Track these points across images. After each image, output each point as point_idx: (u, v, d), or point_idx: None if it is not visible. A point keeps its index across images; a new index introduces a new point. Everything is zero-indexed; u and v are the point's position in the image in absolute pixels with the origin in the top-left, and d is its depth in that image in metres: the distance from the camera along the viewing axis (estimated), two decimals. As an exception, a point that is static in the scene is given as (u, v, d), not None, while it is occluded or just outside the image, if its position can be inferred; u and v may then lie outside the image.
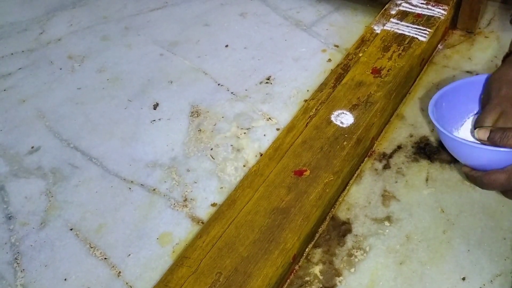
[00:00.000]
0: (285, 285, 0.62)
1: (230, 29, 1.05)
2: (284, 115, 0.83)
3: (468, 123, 0.65)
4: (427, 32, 0.86)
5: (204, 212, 0.70)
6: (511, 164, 0.53)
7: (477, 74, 0.62)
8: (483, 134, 0.55)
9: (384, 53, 0.83)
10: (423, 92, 0.84)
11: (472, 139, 0.61)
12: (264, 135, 0.80)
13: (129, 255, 0.67)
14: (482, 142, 0.55)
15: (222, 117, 0.84)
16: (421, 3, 0.93)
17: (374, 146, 0.77)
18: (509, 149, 0.52)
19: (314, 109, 0.76)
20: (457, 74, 0.86)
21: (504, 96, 0.57)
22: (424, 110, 0.81)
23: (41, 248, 0.69)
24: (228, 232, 0.62)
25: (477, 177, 0.56)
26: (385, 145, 0.77)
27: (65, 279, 0.65)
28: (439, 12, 0.91)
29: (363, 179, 0.72)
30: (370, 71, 0.80)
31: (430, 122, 0.58)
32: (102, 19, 1.14)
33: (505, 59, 0.62)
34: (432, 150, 0.74)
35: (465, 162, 0.58)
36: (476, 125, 0.59)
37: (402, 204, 0.68)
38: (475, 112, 0.65)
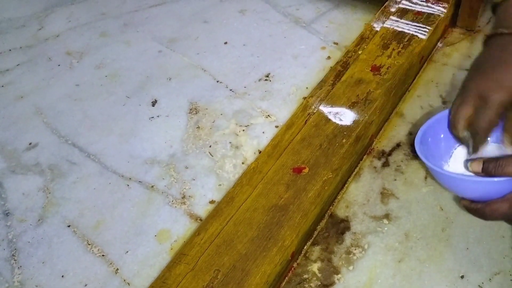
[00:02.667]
0: (284, 283, 0.62)
1: (229, 26, 1.04)
2: (283, 112, 0.82)
3: (456, 155, 0.63)
4: (427, 30, 0.86)
5: (202, 209, 0.70)
6: (509, 192, 0.52)
7: None
8: (477, 166, 0.54)
9: (384, 51, 0.83)
10: (422, 90, 0.84)
11: (462, 169, 0.61)
12: (263, 132, 0.80)
13: (127, 252, 0.66)
14: (477, 174, 0.55)
15: (221, 114, 0.84)
16: (421, 1, 0.93)
17: (373, 144, 0.77)
18: (506, 178, 0.51)
19: (313, 107, 0.76)
20: (456, 72, 0.86)
21: (474, 90, 0.54)
22: (423, 108, 0.80)
23: (38, 244, 0.69)
24: (226, 229, 0.62)
25: (478, 209, 0.55)
26: (384, 142, 0.76)
27: (62, 276, 0.65)
28: (439, 10, 0.90)
29: (362, 176, 0.72)
30: (370, 69, 0.80)
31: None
32: (100, 16, 1.13)
33: (485, 42, 0.59)
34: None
35: (463, 195, 0.57)
36: (452, 120, 0.56)
37: (401, 202, 0.68)
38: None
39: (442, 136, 0.64)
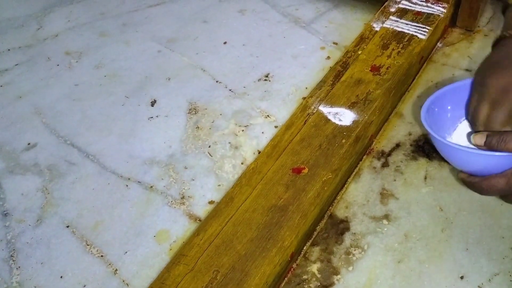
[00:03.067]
0: (283, 283, 0.62)
1: (229, 26, 1.04)
2: (283, 113, 0.82)
3: (461, 128, 0.63)
4: (427, 30, 0.86)
5: (202, 209, 0.70)
6: (509, 168, 0.52)
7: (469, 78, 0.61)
8: (480, 139, 0.54)
9: (383, 51, 0.83)
10: (422, 90, 0.84)
11: (465, 143, 0.61)
12: (262, 132, 0.79)
13: (126, 252, 0.66)
14: (479, 147, 0.55)
15: (220, 114, 0.84)
16: (421, 1, 0.93)
17: (373, 144, 0.76)
18: (507, 153, 0.51)
19: (313, 107, 0.76)
20: (456, 72, 0.86)
21: (494, 87, 0.55)
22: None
23: (37, 245, 0.68)
24: (225, 230, 0.61)
25: (475, 183, 0.55)
26: (383, 143, 0.76)
27: (61, 277, 0.65)
28: (439, 10, 0.90)
29: (361, 177, 0.72)
30: (369, 69, 0.80)
31: (423, 126, 0.57)
32: (100, 15, 1.13)
33: (495, 44, 0.60)
34: (430, 149, 0.74)
35: (462, 168, 0.57)
36: (471, 119, 0.57)
37: (400, 202, 0.68)
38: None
39: (449, 108, 0.63)
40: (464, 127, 0.63)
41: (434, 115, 0.61)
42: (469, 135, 0.61)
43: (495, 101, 0.54)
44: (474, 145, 0.55)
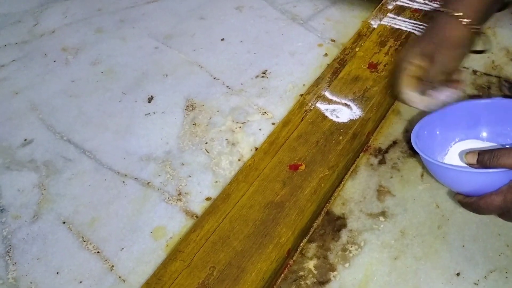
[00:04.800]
0: (279, 280, 0.62)
1: (226, 23, 1.04)
2: (280, 110, 0.82)
3: (452, 151, 0.64)
4: (424, 27, 0.86)
5: (198, 206, 0.70)
6: (504, 184, 0.52)
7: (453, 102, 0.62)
8: (472, 158, 0.54)
9: (381, 48, 0.83)
10: (419, 88, 0.84)
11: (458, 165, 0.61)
12: (260, 129, 0.79)
13: (122, 248, 0.66)
14: (472, 166, 0.55)
15: (217, 111, 0.84)
16: (418, -2, 0.93)
17: (370, 141, 0.76)
18: (500, 170, 0.51)
19: (310, 104, 0.76)
20: (453, 69, 0.86)
21: (430, 40, 0.59)
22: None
23: (33, 241, 0.68)
24: (222, 226, 0.61)
25: (471, 203, 0.55)
26: (380, 140, 0.76)
27: (57, 273, 0.64)
28: (436, 7, 0.90)
29: (358, 174, 0.72)
30: (367, 66, 0.80)
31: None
32: (96, 11, 1.13)
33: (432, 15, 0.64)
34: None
35: (458, 189, 0.57)
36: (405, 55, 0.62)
37: (397, 199, 0.68)
38: (457, 140, 0.65)
39: (438, 132, 0.64)
40: (455, 150, 0.63)
41: (424, 139, 0.62)
42: (461, 155, 0.61)
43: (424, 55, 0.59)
44: (467, 164, 0.55)
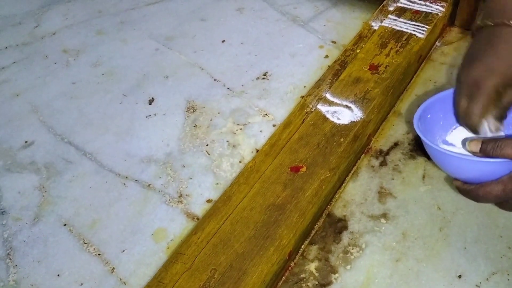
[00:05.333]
0: (281, 282, 0.61)
1: (227, 24, 1.04)
2: (281, 111, 0.82)
3: (454, 134, 0.63)
4: (425, 29, 0.86)
5: (199, 208, 0.70)
6: (505, 174, 0.52)
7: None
8: (475, 146, 0.54)
9: (382, 50, 0.83)
10: (420, 89, 0.84)
11: (459, 150, 0.61)
12: (261, 131, 0.79)
13: (123, 251, 0.66)
14: (474, 154, 0.55)
15: (218, 112, 0.83)
16: (419, 0, 0.93)
17: (371, 143, 0.76)
18: (502, 160, 0.51)
19: (311, 105, 0.76)
20: (454, 71, 0.85)
21: (467, 80, 0.55)
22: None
23: (34, 243, 0.68)
24: (223, 229, 0.61)
25: (470, 190, 0.55)
26: (382, 142, 0.76)
27: (58, 275, 0.64)
28: (437, 9, 0.90)
29: (359, 176, 0.72)
30: (368, 68, 0.80)
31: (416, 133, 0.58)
32: (97, 13, 1.13)
33: (474, 34, 0.59)
34: (429, 147, 0.74)
35: (457, 175, 0.57)
36: (455, 114, 0.57)
37: (398, 201, 0.68)
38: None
39: (441, 115, 0.63)
40: (457, 133, 0.63)
41: (427, 122, 0.61)
42: (463, 142, 0.61)
43: (470, 95, 0.54)
44: (469, 152, 0.55)
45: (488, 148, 0.52)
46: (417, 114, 0.60)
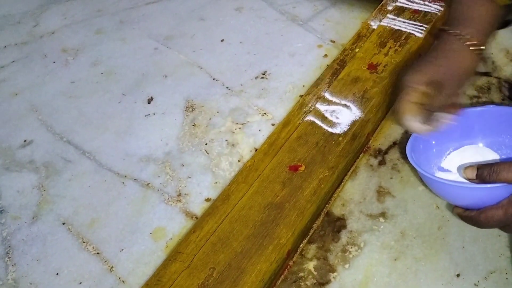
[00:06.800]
0: (279, 281, 0.61)
1: (226, 24, 1.04)
2: (280, 110, 0.82)
3: (448, 160, 0.64)
4: (424, 28, 0.86)
5: (198, 207, 0.70)
6: (504, 198, 0.52)
7: None
8: (471, 173, 0.54)
9: (381, 49, 0.83)
10: (419, 89, 0.84)
11: (452, 177, 0.61)
12: (259, 130, 0.79)
13: (122, 250, 0.66)
14: (471, 180, 0.54)
15: (217, 112, 0.84)
16: (418, -1, 0.93)
17: (370, 142, 0.76)
18: (500, 184, 0.51)
19: (310, 105, 0.76)
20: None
21: (402, 79, 0.58)
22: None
23: (33, 242, 0.68)
24: (222, 227, 0.61)
25: (472, 217, 0.54)
26: (380, 141, 0.76)
27: (57, 274, 0.64)
28: (436, 8, 0.90)
29: (358, 175, 0.72)
30: (366, 67, 0.80)
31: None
32: (96, 13, 1.13)
33: (438, 34, 0.61)
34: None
35: (456, 203, 0.57)
36: (405, 80, 0.59)
37: (397, 200, 0.68)
38: (452, 149, 0.65)
39: (433, 142, 0.64)
40: (452, 158, 0.63)
41: (419, 151, 0.61)
42: (459, 168, 0.61)
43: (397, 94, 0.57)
44: (465, 179, 0.55)
45: (484, 174, 0.52)
46: (409, 145, 0.60)
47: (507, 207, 0.51)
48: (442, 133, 0.62)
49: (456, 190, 0.55)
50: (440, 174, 0.62)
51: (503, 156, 0.62)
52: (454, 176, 0.61)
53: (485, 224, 0.53)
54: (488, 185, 0.52)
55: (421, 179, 0.69)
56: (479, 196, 0.53)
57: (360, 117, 0.72)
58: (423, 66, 0.58)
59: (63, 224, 0.70)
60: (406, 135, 0.76)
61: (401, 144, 0.75)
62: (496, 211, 0.52)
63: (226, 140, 0.78)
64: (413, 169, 0.71)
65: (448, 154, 0.64)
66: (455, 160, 0.63)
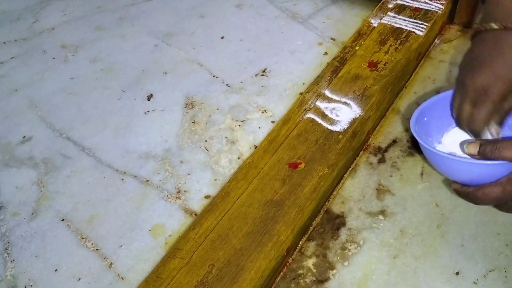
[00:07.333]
0: (278, 278, 0.61)
1: (226, 21, 1.04)
2: (280, 108, 0.82)
3: (450, 135, 0.63)
4: (424, 26, 0.86)
5: (198, 204, 0.70)
6: (503, 176, 0.52)
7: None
8: (473, 148, 0.54)
9: (381, 47, 0.83)
10: (419, 87, 0.84)
11: (455, 150, 0.61)
12: (259, 127, 0.79)
13: (121, 246, 0.66)
14: (473, 156, 0.54)
15: (217, 109, 0.83)
16: (419, -3, 0.93)
17: (370, 140, 0.76)
18: (501, 162, 0.51)
19: (310, 102, 0.76)
20: (453, 69, 0.85)
21: (474, 86, 0.54)
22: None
23: (31, 238, 0.68)
24: (221, 224, 0.61)
25: (469, 192, 0.55)
26: (380, 139, 0.76)
27: (55, 270, 0.64)
28: (437, 6, 0.90)
29: (358, 172, 0.72)
30: (367, 65, 0.80)
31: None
32: (96, 9, 1.13)
33: (474, 37, 0.58)
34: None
35: (455, 178, 0.57)
36: (455, 117, 0.57)
37: (396, 198, 0.68)
38: (454, 125, 0.63)
39: (437, 117, 0.63)
40: (452, 134, 0.63)
41: (423, 125, 0.61)
42: (461, 144, 0.61)
43: (476, 101, 0.54)
44: (467, 154, 0.55)
45: (486, 150, 0.52)
46: (414, 117, 0.60)
47: (505, 185, 0.52)
48: (446, 108, 0.62)
49: (457, 164, 0.55)
50: (441, 148, 0.62)
51: (506, 135, 0.62)
52: (454, 151, 0.61)
53: (481, 201, 0.54)
54: (489, 162, 0.52)
55: (423, 172, 0.69)
56: (479, 172, 0.53)
57: (360, 115, 0.72)
58: (499, 68, 0.52)
59: (62, 220, 0.70)
60: (406, 133, 0.76)
61: (401, 142, 0.75)
62: (494, 188, 0.52)
63: (226, 137, 0.78)
64: (414, 166, 0.71)
65: (449, 130, 0.64)
66: (455, 136, 0.62)
